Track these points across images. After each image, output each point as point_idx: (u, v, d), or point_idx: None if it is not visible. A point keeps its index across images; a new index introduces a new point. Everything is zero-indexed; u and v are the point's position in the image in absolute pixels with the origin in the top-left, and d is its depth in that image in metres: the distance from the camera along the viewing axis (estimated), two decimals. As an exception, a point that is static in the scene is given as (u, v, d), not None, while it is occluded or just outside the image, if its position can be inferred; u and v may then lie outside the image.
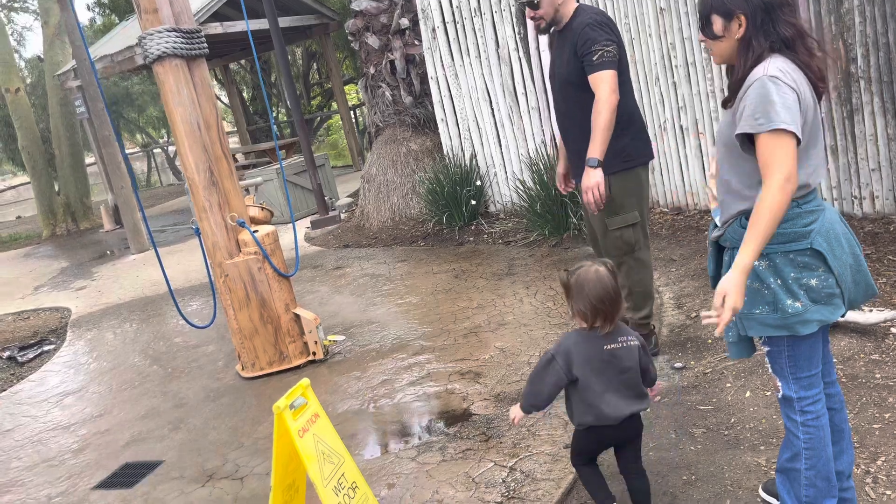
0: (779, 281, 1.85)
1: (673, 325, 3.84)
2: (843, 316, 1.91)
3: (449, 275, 5.47)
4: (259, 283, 4.13)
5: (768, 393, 2.95)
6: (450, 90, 6.69)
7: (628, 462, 2.30)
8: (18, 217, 20.37)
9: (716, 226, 2.04)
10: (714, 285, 2.05)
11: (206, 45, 4.09)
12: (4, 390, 4.98)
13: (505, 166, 6.58)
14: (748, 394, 2.99)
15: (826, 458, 1.95)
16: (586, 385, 2.17)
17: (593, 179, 3.01)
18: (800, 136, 1.75)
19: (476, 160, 6.71)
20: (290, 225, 8.45)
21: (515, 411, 2.28)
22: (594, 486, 2.31)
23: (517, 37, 6.11)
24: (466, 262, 5.73)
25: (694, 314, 3.90)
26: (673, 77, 5.38)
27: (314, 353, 4.26)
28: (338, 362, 4.22)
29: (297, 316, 4.25)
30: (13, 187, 27.61)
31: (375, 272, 5.96)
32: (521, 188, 6.05)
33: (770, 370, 2.00)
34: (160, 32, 3.85)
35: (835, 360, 3.07)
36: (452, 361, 3.86)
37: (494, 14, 6.18)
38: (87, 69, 8.98)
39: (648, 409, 2.66)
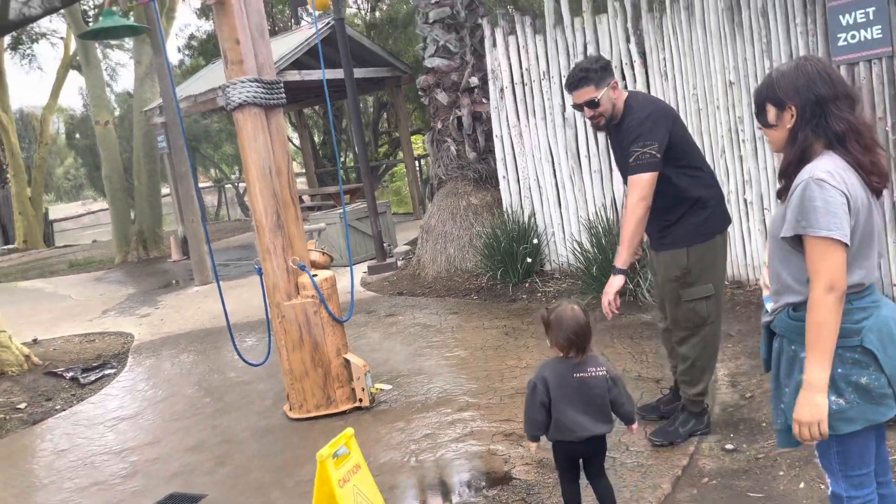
0: None
1: (726, 403, 3.74)
2: None
3: (499, 331, 5.48)
4: (314, 327, 4.23)
5: (823, 486, 2.84)
6: (513, 149, 6.80)
7: (592, 474, 2.69)
8: (94, 241, 21.35)
9: (766, 311, 2.02)
10: (766, 368, 2.03)
11: (283, 95, 4.30)
12: (65, 410, 5.18)
13: (563, 227, 6.60)
14: (802, 485, 2.88)
15: None
16: (558, 406, 2.53)
17: (612, 287, 3.08)
18: (847, 241, 1.74)
19: (535, 218, 6.76)
20: (349, 269, 8.64)
21: (529, 443, 2.69)
22: (569, 496, 2.71)
23: (584, 101, 6.20)
24: (518, 319, 5.72)
25: (749, 394, 3.79)
26: (740, 151, 5.35)
27: (361, 400, 4.31)
28: (383, 411, 4.25)
29: (348, 361, 4.32)
30: (93, 212, 29.04)
31: (427, 322, 6.01)
32: (579, 250, 6.05)
33: (820, 465, 1.95)
34: (243, 82, 4.08)
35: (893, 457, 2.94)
36: (497, 421, 3.85)
37: (563, 78, 6.29)
38: (172, 108, 9.49)
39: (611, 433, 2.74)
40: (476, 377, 4.56)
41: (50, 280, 12.57)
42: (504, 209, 6.99)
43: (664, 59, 5.72)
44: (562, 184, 6.52)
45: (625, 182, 3.30)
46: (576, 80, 3.22)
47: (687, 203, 3.21)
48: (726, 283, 5.61)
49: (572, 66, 6.18)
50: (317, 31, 4.71)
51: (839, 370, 1.80)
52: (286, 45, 11.10)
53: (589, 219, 6.29)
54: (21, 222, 21.29)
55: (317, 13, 5.56)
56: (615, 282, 3.08)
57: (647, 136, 3.07)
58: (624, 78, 6.02)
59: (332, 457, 2.28)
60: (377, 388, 4.39)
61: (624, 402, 2.58)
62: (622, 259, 3.10)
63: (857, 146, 1.81)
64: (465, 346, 5.24)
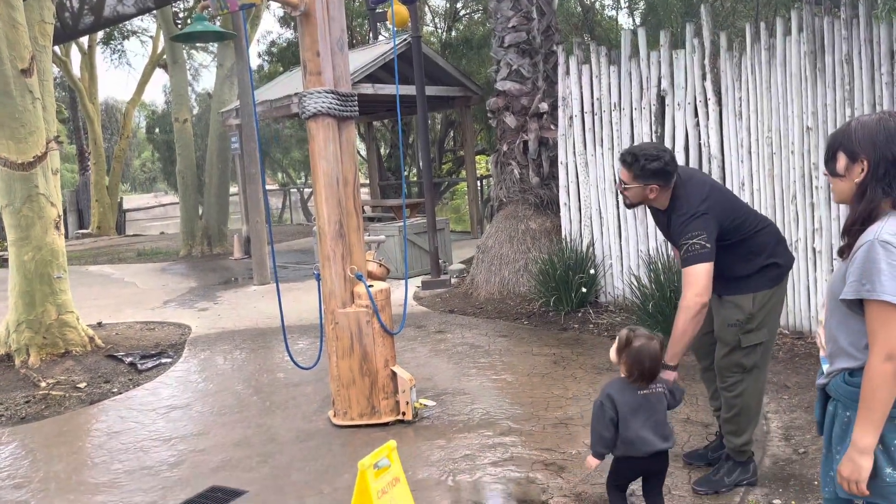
0: (880, 446, 1.75)
1: (777, 457, 3.62)
2: None
3: (548, 359, 5.44)
4: (365, 336, 4.29)
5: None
6: (577, 177, 6.77)
7: (652, 492, 2.77)
8: (162, 233, 22.14)
9: (822, 373, 1.95)
10: (820, 431, 1.96)
11: (356, 107, 4.41)
12: (121, 393, 5.38)
13: (622, 259, 6.52)
14: (851, 549, 2.76)
15: None
16: (624, 423, 2.68)
17: (671, 377, 2.94)
18: None
19: (593, 248, 6.71)
20: (403, 283, 8.72)
21: (590, 461, 2.76)
22: None
23: (653, 135, 6.14)
24: (568, 349, 5.67)
25: (802, 449, 3.66)
26: (812, 198, 5.21)
27: (404, 414, 4.33)
28: (425, 427, 4.26)
29: (394, 374, 4.36)
30: (163, 205, 30.14)
31: (475, 343, 6.01)
32: (636, 284, 5.96)
33: None
34: (319, 93, 4.20)
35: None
36: (538, 450, 3.82)
37: (634, 110, 6.26)
38: (249, 111, 9.81)
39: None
40: (521, 403, 4.54)
41: (118, 266, 13.09)
42: (563, 236, 6.96)
43: (740, 98, 5.62)
44: (624, 216, 6.46)
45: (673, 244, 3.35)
46: (623, 158, 3.20)
47: (754, 262, 3.17)
48: (787, 332, 5.45)
49: (644, 98, 6.17)
50: (394, 47, 4.82)
51: (895, 441, 1.74)
52: (363, 58, 11.36)
53: (649, 254, 6.21)
54: (97, 209, 22.27)
55: (396, 29, 5.69)
56: (669, 374, 2.95)
57: (693, 230, 3.00)
58: (696, 115, 5.95)
59: (373, 467, 2.31)
60: (421, 404, 4.42)
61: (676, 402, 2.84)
62: (672, 355, 2.96)
63: None
64: (512, 370, 5.22)
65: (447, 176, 18.54)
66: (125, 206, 26.61)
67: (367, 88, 10.81)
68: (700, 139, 5.94)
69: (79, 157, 26.08)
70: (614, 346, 2.80)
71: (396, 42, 11.32)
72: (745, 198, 5.70)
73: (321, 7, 4.20)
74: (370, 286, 4.33)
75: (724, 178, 5.86)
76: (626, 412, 2.66)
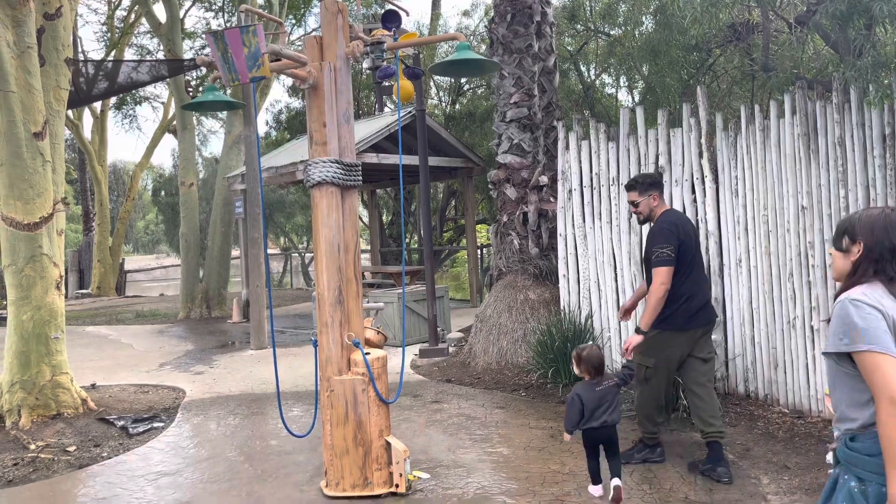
0: None
1: (777, 539, 3.53)
2: None
3: (545, 432, 5.36)
4: (360, 405, 4.26)
5: None
6: (576, 249, 6.84)
7: (609, 454, 4.08)
8: (161, 294, 22.15)
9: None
10: None
11: (360, 177, 4.51)
12: (111, 458, 5.28)
13: (621, 332, 6.52)
14: None
15: None
16: (589, 413, 4.03)
17: (634, 341, 4.35)
18: (892, 353, 1.84)
19: (592, 320, 6.71)
20: (400, 350, 8.67)
21: (565, 436, 4.14)
22: (592, 468, 4.14)
23: (651, 210, 6.24)
24: (566, 422, 5.59)
25: (803, 533, 3.58)
26: (809, 276, 5.25)
27: (397, 486, 4.25)
28: (418, 500, 4.18)
29: (389, 444, 4.30)
30: (164, 267, 30.28)
31: (472, 414, 5.94)
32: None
33: None
34: (324, 162, 4.31)
35: None
36: (533, 526, 3.73)
37: (632, 185, 6.38)
38: (254, 177, 9.99)
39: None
40: (516, 477, 4.46)
41: (115, 328, 13.04)
42: (561, 307, 6.97)
43: (736, 176, 5.74)
44: (622, 289, 6.49)
45: (647, 273, 4.57)
46: (629, 185, 4.62)
47: (677, 299, 4.38)
48: (787, 410, 5.39)
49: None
50: (399, 119, 4.96)
51: None
52: (368, 128, 11.64)
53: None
54: (98, 269, 22.35)
55: (401, 103, 5.87)
56: (636, 339, 4.34)
57: (662, 243, 4.34)
58: (693, 192, 6.06)
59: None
60: (415, 476, 4.34)
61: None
62: (645, 324, 4.34)
63: None
64: (509, 444, 5.14)
65: (448, 244, 18.68)
66: (126, 266, 26.70)
67: (372, 158, 11.04)
68: (697, 215, 6.03)
69: (84, 217, 26.36)
70: (573, 363, 4.17)
71: (401, 115, 11.62)
72: (742, 273, 5.76)
73: (329, 81, 4.35)
74: (367, 353, 4.32)
75: (721, 254, 5.92)
76: (590, 405, 4.03)
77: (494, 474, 4.53)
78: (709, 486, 4.16)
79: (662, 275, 4.30)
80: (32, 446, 5.36)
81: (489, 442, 5.19)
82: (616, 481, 3.98)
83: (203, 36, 18.37)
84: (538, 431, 5.39)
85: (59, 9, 6.42)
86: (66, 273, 24.12)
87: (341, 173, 4.33)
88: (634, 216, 4.63)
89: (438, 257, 17.11)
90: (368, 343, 4.59)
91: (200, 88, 18.57)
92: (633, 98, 12.72)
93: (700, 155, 6.00)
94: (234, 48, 3.50)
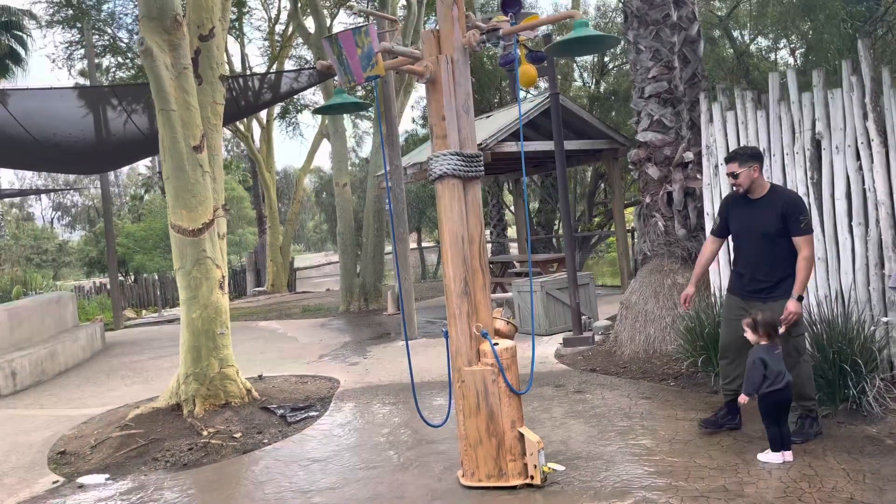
0: None
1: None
2: None
3: (693, 424, 5.06)
4: (491, 395, 4.25)
5: None
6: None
7: (783, 420, 4.26)
8: (328, 289, 23.54)
9: None
10: None
11: (482, 167, 4.49)
12: (271, 444, 5.69)
13: (779, 316, 5.99)
14: None
15: None
16: (771, 371, 4.17)
17: (795, 307, 4.39)
18: None
19: (747, 304, 6.22)
20: (545, 339, 8.57)
21: (742, 398, 4.27)
22: (775, 434, 4.26)
23: (809, 181, 5.67)
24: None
25: None
26: None
27: (532, 477, 4.21)
28: (554, 493, 4.11)
29: (522, 435, 4.26)
30: (332, 263, 32.14)
31: (616, 404, 5.74)
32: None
33: None
34: (445, 155, 4.33)
35: None
36: (672, 524, 3.53)
37: (786, 156, 5.84)
38: (398, 174, 10.31)
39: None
40: (659, 472, 4.25)
41: (284, 322, 14.05)
42: (712, 291, 6.54)
43: (909, 137, 5.07)
44: (779, 269, 5.95)
45: (735, 243, 4.82)
46: (729, 157, 4.68)
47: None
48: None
49: (796, 143, 5.75)
50: (519, 108, 4.88)
51: None
52: (507, 118, 11.61)
53: (812, 311, 5.65)
54: (271, 268, 24.18)
55: (530, 89, 5.78)
56: (797, 306, 4.41)
57: (808, 212, 4.47)
58: (858, 158, 5.43)
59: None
60: (549, 468, 4.27)
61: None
62: (800, 288, 4.44)
63: None
64: (653, 436, 4.91)
65: (598, 229, 18.20)
66: (297, 264, 28.63)
67: (512, 146, 10.99)
68: (864, 184, 5.40)
69: (258, 221, 28.61)
70: (748, 332, 4.30)
71: (540, 100, 11.46)
72: (923, 247, 5.07)
73: (447, 74, 4.36)
74: (495, 344, 4.30)
75: (894, 226, 5.25)
76: (773, 368, 4.17)
77: (635, 468, 4.35)
78: (878, 485, 3.72)
79: (812, 242, 4.45)
80: (205, 433, 5.89)
81: (632, 433, 4.99)
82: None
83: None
84: (685, 423, 5.11)
85: (211, 30, 6.98)
86: (245, 272, 26.35)
87: (462, 165, 4.34)
88: (732, 185, 4.65)
89: (588, 243, 16.73)
90: (498, 333, 4.57)
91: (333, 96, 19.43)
92: (795, 61, 11.65)
93: (864, 116, 5.36)
94: (347, 50, 3.61)
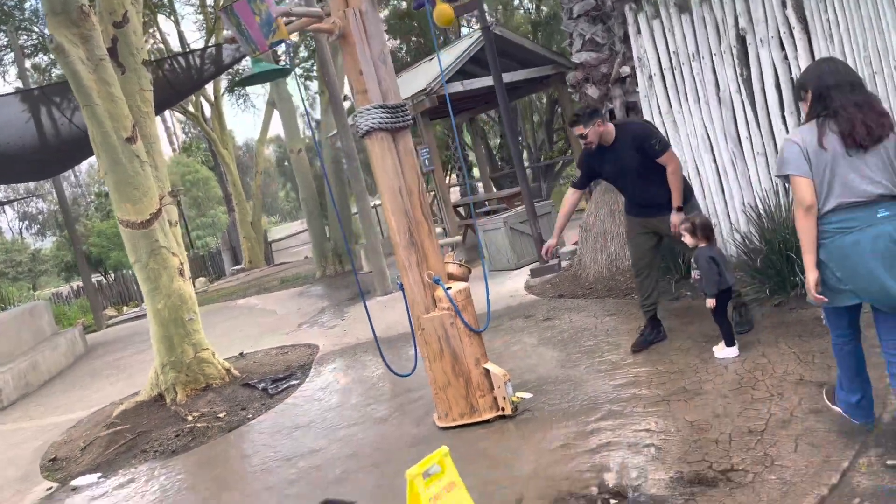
0: None
1: (901, 411, 3.26)
2: None
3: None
4: (451, 338, 4.34)
5: None
6: (668, 137, 6.42)
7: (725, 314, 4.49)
8: (306, 257, 23.51)
9: None
10: None
11: (409, 117, 4.47)
12: (255, 418, 5.80)
13: (729, 216, 6.11)
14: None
15: None
16: (722, 267, 4.34)
17: (679, 219, 4.54)
18: (804, 175, 2.64)
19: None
20: (514, 273, 8.67)
21: (709, 302, 4.33)
22: (727, 329, 4.45)
23: (739, 78, 5.71)
24: (677, 319, 5.41)
25: (931, 400, 3.26)
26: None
27: (503, 409, 4.34)
28: (525, 420, 4.25)
29: (487, 371, 4.37)
30: (306, 230, 32.05)
31: (582, 325, 5.88)
32: (741, 241, 5.57)
33: None
34: (369, 110, 4.30)
35: None
36: (636, 431, 3.68)
37: (714, 56, 5.85)
38: (346, 133, 10.21)
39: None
40: (624, 384, 4.39)
41: (262, 297, 14.07)
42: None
43: (828, 20, 5.10)
44: (723, 170, 6.05)
45: (615, 186, 5.07)
46: (571, 122, 4.86)
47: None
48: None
49: (723, 42, 5.76)
50: (440, 64, 4.83)
51: None
52: (447, 58, 11.45)
53: (756, 205, 5.77)
54: (245, 244, 24.05)
55: (447, 28, 5.71)
56: (680, 215, 4.58)
57: (657, 132, 4.76)
58: (783, 48, 5.46)
59: (421, 476, 2.35)
60: (518, 398, 4.40)
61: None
62: (676, 201, 4.68)
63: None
64: (618, 350, 5.06)
65: (560, 155, 18.20)
66: (271, 236, 28.48)
67: (457, 87, 10.88)
68: (791, 73, 5.45)
69: (226, 199, 28.29)
70: (686, 236, 4.36)
71: (478, 37, 11.29)
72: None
73: (357, 26, 4.30)
74: (449, 288, 4.37)
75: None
76: (722, 265, 4.31)
77: (601, 383, 4.50)
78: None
79: (673, 155, 4.62)
80: (189, 418, 5.99)
81: (598, 352, 5.14)
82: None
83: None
84: (648, 333, 5.25)
85: (124, 15, 6.78)
86: (220, 252, 26.20)
87: (388, 117, 4.31)
88: (583, 145, 4.82)
89: (552, 171, 16.75)
90: (452, 277, 4.63)
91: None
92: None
93: (783, 5, 5.36)
94: (246, 19, 3.55)
